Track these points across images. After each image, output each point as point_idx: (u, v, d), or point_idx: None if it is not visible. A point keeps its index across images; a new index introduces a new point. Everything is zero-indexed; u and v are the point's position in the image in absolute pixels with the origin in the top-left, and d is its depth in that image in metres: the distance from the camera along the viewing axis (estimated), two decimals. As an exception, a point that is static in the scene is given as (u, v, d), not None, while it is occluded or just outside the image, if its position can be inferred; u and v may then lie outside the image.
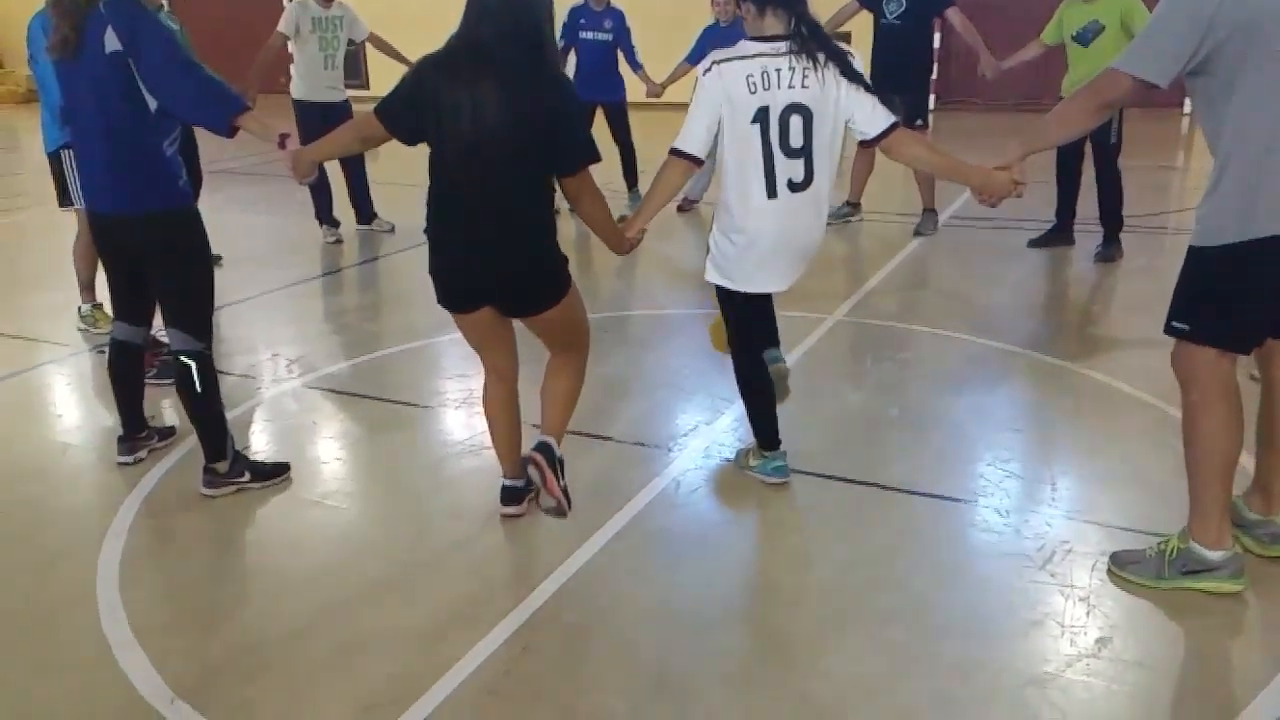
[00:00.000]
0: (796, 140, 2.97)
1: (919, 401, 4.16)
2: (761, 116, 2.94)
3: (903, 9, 6.51)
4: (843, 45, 3.02)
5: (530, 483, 3.12)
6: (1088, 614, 2.72)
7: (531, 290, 2.90)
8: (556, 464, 3.05)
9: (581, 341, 3.12)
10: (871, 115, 3.02)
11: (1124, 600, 2.79)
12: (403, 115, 2.79)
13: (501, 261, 2.81)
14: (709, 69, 2.97)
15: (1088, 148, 6.17)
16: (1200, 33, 2.43)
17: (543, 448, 3.04)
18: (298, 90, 6.88)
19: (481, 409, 3.21)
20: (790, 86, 2.93)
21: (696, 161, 3.06)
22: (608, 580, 2.92)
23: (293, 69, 6.92)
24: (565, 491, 3.03)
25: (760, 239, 3.07)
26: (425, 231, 2.88)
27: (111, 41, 3.06)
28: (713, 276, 3.23)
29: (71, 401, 4.45)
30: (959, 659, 2.55)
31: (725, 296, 3.28)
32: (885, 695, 2.43)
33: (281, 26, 6.71)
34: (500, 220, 2.76)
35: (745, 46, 2.97)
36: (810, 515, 3.29)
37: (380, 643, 2.66)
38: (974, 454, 3.68)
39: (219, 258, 6.49)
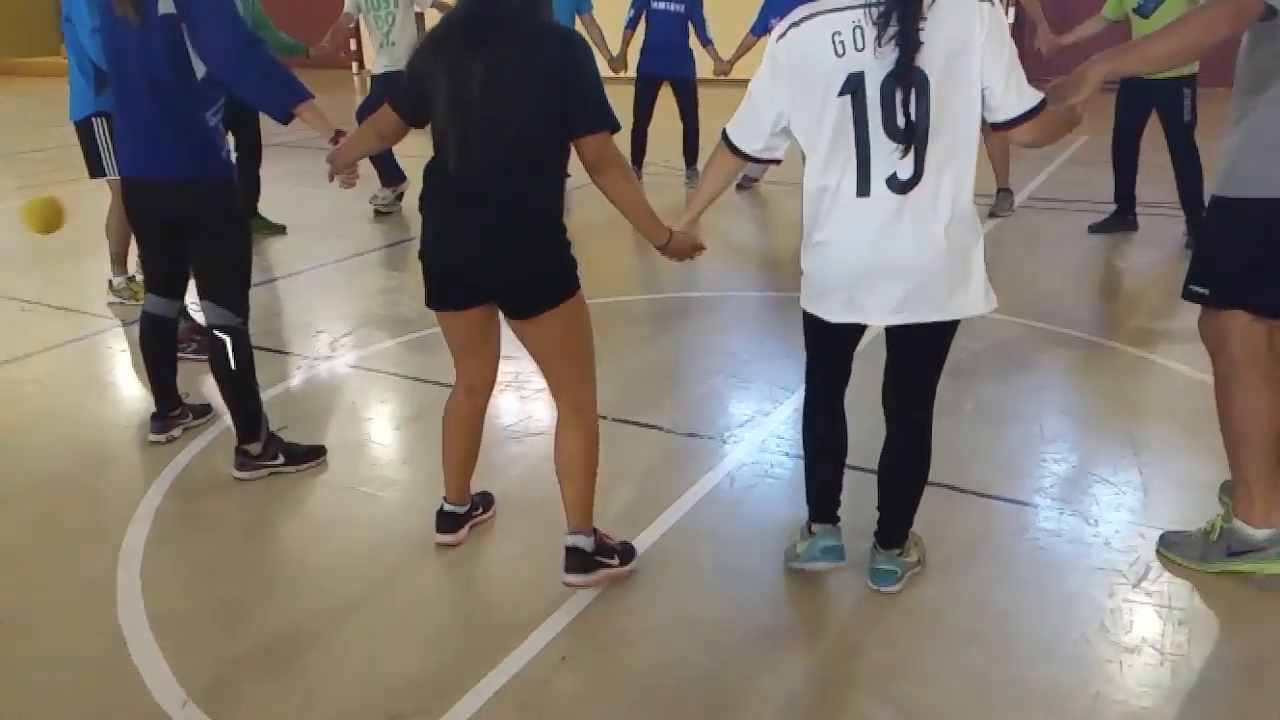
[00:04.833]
0: (904, 119, 2.19)
1: (995, 395, 3.86)
2: (854, 86, 2.19)
3: None
4: None
5: (475, 506, 2.93)
6: (1189, 640, 2.43)
7: (523, 284, 2.45)
8: (594, 564, 2.62)
9: (581, 376, 2.58)
10: (1009, 88, 2.22)
11: (1234, 625, 2.50)
12: (405, 101, 2.53)
13: (489, 248, 2.41)
14: (784, 33, 2.26)
15: (1148, 130, 5.81)
16: None
17: (574, 559, 2.59)
18: (374, 65, 6.94)
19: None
20: (895, 45, 2.15)
21: (747, 158, 2.48)
22: (655, 585, 2.69)
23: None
24: (622, 559, 2.70)
25: (842, 250, 2.32)
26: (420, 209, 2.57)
27: (165, 4, 2.93)
28: (802, 299, 2.50)
29: (111, 376, 4.35)
30: (1047, 686, 2.29)
31: (806, 325, 2.54)
32: (963, 727, 2.18)
33: (347, 6, 6.84)
34: (488, 203, 2.38)
35: None
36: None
37: (408, 645, 2.47)
38: (1057, 454, 3.38)
39: (283, 228, 6.48)
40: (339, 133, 2.98)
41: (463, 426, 2.80)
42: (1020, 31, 12.34)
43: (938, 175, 2.22)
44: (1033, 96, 2.25)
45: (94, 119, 4.45)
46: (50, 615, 2.62)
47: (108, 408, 3.95)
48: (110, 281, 5.07)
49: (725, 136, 2.48)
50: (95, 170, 4.65)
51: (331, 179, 2.88)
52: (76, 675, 2.39)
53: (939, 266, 2.28)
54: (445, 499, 2.88)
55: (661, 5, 7.31)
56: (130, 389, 4.13)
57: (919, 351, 2.48)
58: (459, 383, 2.77)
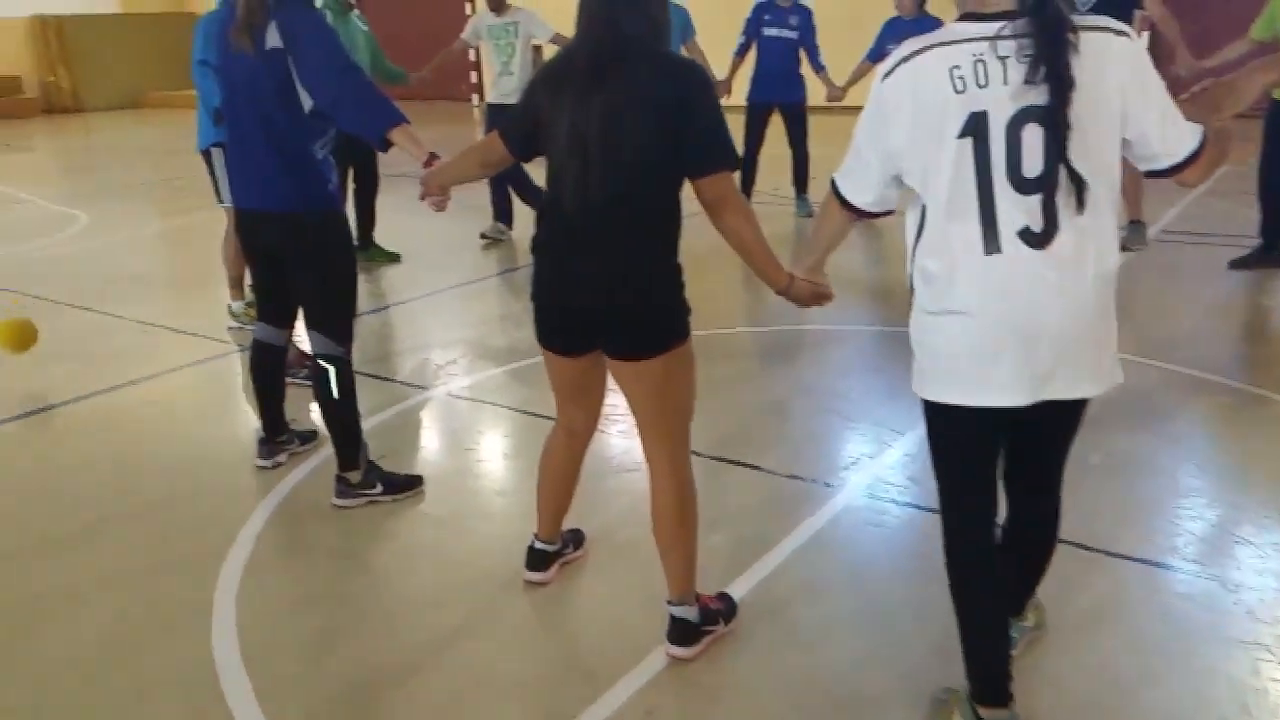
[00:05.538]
0: (1033, 166, 1.89)
1: (1126, 445, 3.59)
2: (976, 127, 1.90)
3: (1090, 6, 5.90)
4: (1118, 25, 1.93)
5: (565, 544, 2.87)
6: (1348, 729, 2.18)
7: (627, 323, 2.34)
8: (700, 634, 2.50)
9: (675, 433, 2.45)
10: (1166, 133, 1.94)
11: (1399, 716, 2.23)
12: (516, 132, 2.49)
13: (598, 284, 2.32)
14: (892, 70, 1.98)
15: None
16: None
17: (677, 630, 2.47)
18: (490, 94, 7.14)
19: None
20: (1027, 82, 1.86)
21: (859, 213, 2.19)
22: (747, 638, 2.57)
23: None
24: (725, 620, 2.58)
25: (974, 319, 1.96)
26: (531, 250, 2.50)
27: (273, 38, 2.99)
28: (916, 385, 2.13)
29: (225, 400, 4.46)
30: (1178, 776, 2.07)
31: (929, 417, 2.13)
32: (1082, 815, 1.98)
33: (464, 34, 7.07)
34: (601, 239, 2.30)
35: (953, 29, 1.96)
36: (991, 573, 2.83)
37: (492, 689, 2.41)
38: (1193, 511, 3.12)
39: (398, 256, 6.62)
40: (432, 156, 2.97)
41: (560, 467, 2.74)
42: (1155, 54, 11.87)
43: (1077, 228, 1.91)
44: (1194, 133, 1.96)
45: (214, 149, 4.63)
46: (148, 640, 2.65)
47: (221, 431, 4.04)
48: (229, 306, 5.24)
49: (835, 187, 2.20)
50: (218, 197, 4.84)
51: (423, 199, 2.87)
52: (167, 703, 2.40)
53: (1085, 333, 1.96)
54: (536, 536, 2.82)
55: (774, 31, 7.25)
56: (241, 413, 4.23)
57: (1053, 429, 2.14)
58: (560, 423, 2.70)
